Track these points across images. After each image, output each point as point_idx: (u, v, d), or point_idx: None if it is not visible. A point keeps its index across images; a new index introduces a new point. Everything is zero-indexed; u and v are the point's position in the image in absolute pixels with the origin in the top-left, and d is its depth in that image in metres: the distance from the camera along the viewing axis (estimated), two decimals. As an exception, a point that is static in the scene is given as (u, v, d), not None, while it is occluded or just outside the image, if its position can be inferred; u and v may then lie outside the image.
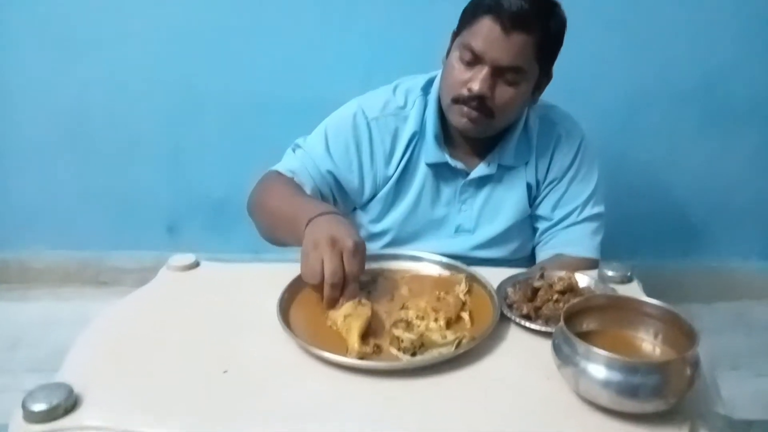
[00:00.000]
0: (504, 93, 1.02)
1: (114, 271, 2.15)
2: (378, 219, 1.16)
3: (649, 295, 0.89)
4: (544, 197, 1.16)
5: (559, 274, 0.91)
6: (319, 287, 0.84)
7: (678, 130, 1.93)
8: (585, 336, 0.72)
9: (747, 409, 1.55)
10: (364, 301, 0.84)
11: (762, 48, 1.83)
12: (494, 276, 0.93)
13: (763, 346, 1.82)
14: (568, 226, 1.14)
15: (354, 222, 1.18)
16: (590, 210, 1.15)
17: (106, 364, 0.75)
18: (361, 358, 0.74)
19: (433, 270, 0.99)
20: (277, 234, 1.05)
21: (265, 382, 0.72)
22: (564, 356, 0.67)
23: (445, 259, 0.99)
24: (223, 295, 0.92)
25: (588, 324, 0.76)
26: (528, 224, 1.18)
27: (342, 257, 0.83)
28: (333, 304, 0.84)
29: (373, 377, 0.73)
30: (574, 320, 0.73)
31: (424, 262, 1.00)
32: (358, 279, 0.86)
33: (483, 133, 1.08)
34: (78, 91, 1.96)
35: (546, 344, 0.72)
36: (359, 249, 0.85)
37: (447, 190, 1.14)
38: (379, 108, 1.13)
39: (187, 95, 1.95)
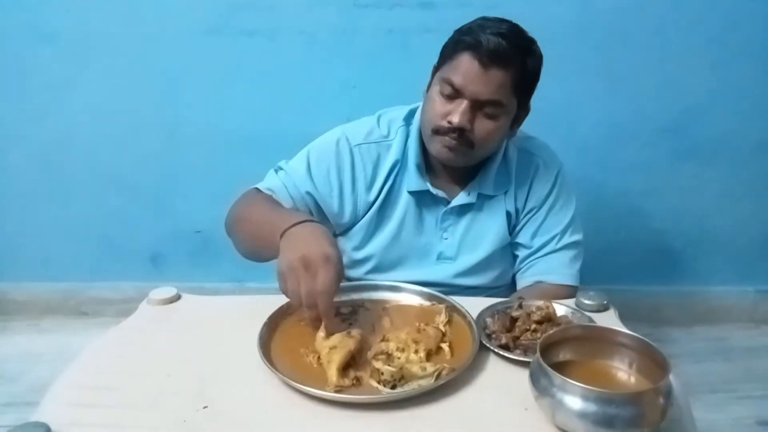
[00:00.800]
0: (483, 125, 1.05)
1: (96, 303, 2.14)
2: (361, 246, 1.17)
3: (628, 321, 0.91)
4: (524, 225, 1.18)
5: (537, 304, 0.93)
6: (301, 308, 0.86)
7: (654, 164, 1.99)
8: (561, 366, 0.73)
9: (728, 433, 1.57)
10: (354, 332, 0.84)
11: (730, 89, 1.90)
12: (474, 305, 0.94)
13: (742, 370, 1.85)
14: (547, 254, 1.16)
15: None
16: (569, 238, 1.17)
17: (84, 402, 0.75)
18: (339, 391, 0.75)
19: (413, 300, 1.00)
20: (257, 248, 1.06)
21: (245, 417, 0.72)
22: (541, 388, 0.68)
23: (425, 290, 1.00)
24: (204, 329, 0.93)
25: (564, 354, 0.77)
26: (508, 252, 1.20)
27: (316, 276, 0.84)
28: (316, 323, 0.85)
29: (353, 410, 0.73)
30: (551, 351, 0.75)
31: (404, 292, 1.01)
32: (335, 295, 0.85)
33: (463, 162, 1.11)
34: (61, 124, 1.98)
35: (524, 374, 0.73)
36: (332, 263, 0.84)
37: (429, 218, 1.16)
38: (363, 136, 1.16)
39: (171, 129, 1.98)
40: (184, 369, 0.82)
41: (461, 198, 1.14)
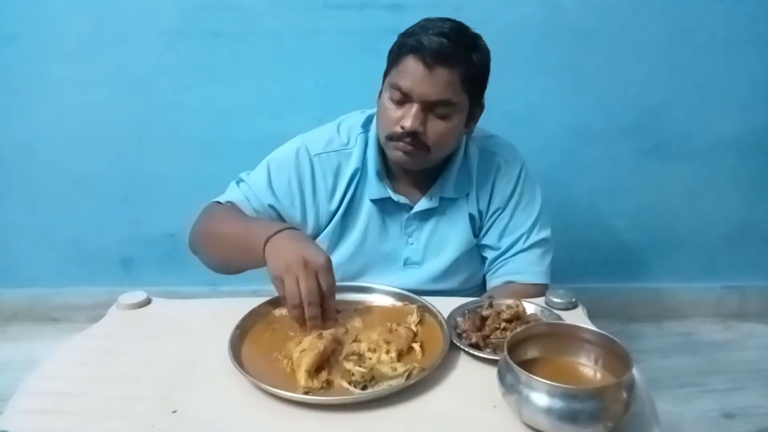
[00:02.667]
0: (436, 127, 1.04)
1: (65, 308, 2.09)
2: None
3: (598, 318, 0.93)
4: (490, 227, 1.18)
5: (507, 302, 0.94)
6: (299, 309, 0.87)
7: (618, 162, 2.03)
8: (528, 364, 0.74)
9: (693, 426, 1.61)
10: (325, 333, 0.84)
11: (692, 87, 1.94)
12: (445, 305, 0.95)
13: (708, 364, 1.89)
14: (515, 254, 1.16)
15: None
16: (536, 236, 1.17)
17: (49, 410, 0.74)
18: (307, 392, 0.75)
19: (385, 301, 1.01)
20: (231, 261, 1.06)
21: (215, 420, 0.72)
22: (508, 385, 0.69)
23: (397, 290, 1.01)
24: (175, 333, 0.92)
25: (531, 352, 0.78)
26: (476, 255, 1.20)
27: (316, 276, 0.87)
28: (316, 321, 0.87)
29: (324, 412, 0.73)
30: (518, 348, 0.76)
31: (376, 293, 1.02)
32: (335, 294, 0.90)
33: (421, 165, 1.10)
34: (25, 127, 1.94)
35: (494, 372, 0.73)
36: (330, 264, 0.89)
37: (393, 225, 1.16)
38: (322, 144, 1.15)
39: (139, 131, 1.95)
40: (153, 374, 0.81)
41: (423, 203, 1.14)
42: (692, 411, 1.66)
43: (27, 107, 1.92)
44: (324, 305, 0.88)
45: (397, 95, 1.04)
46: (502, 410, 0.72)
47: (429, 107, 1.03)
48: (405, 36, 1.04)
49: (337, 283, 1.05)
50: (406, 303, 0.99)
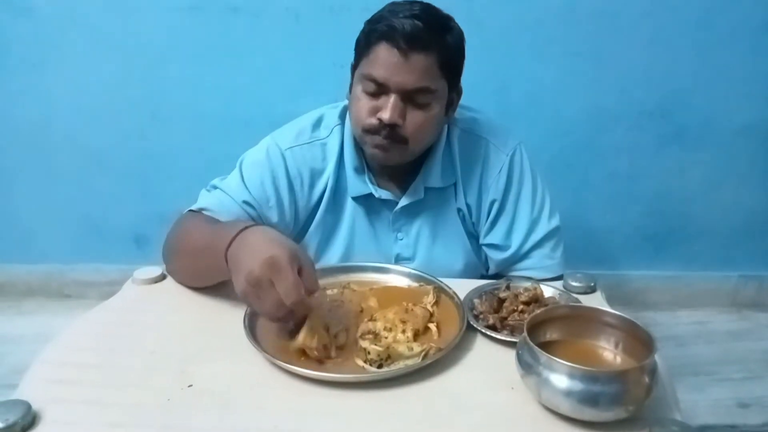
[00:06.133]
0: (416, 117, 0.98)
1: (79, 285, 2.11)
2: (315, 260, 1.08)
3: (613, 304, 0.91)
4: (493, 222, 1.11)
5: (524, 285, 0.93)
6: (283, 320, 0.78)
7: (638, 148, 2.00)
8: (548, 346, 0.73)
9: (707, 415, 1.60)
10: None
11: (715, 73, 1.91)
12: (462, 286, 0.94)
13: (723, 353, 1.88)
14: (528, 252, 1.10)
15: None
16: (546, 227, 1.10)
17: (66, 380, 0.74)
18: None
19: (401, 281, 0.99)
20: (202, 279, 0.95)
21: (230, 396, 0.72)
22: (527, 366, 0.68)
23: (413, 271, 1.00)
24: (189, 308, 0.92)
25: (551, 334, 0.77)
26: (470, 246, 1.14)
27: (283, 275, 0.74)
28: (295, 332, 0.79)
29: (340, 389, 0.73)
30: (538, 330, 0.75)
31: (392, 273, 1.01)
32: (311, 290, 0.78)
33: (399, 161, 1.04)
34: (40, 102, 1.94)
35: (511, 354, 0.73)
36: (281, 266, 0.74)
37: (379, 222, 1.11)
38: (292, 137, 1.09)
39: (154, 108, 1.95)
40: (168, 348, 0.81)
41: (408, 197, 1.08)
42: (706, 399, 1.66)
43: (42, 82, 1.91)
44: (296, 312, 0.77)
45: (371, 87, 0.97)
46: (520, 392, 0.71)
47: (407, 96, 0.96)
48: (373, 22, 0.97)
49: (351, 263, 1.05)
50: (422, 284, 0.97)
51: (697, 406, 1.62)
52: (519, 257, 1.11)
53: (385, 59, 0.94)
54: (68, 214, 2.07)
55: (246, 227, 0.83)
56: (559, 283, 0.98)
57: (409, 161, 1.06)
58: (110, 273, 1.92)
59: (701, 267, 2.14)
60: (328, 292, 0.95)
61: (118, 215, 2.06)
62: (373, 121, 0.98)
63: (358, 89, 1.00)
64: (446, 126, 1.10)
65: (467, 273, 1.14)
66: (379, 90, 0.97)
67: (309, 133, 1.10)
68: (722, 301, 2.14)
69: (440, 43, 0.96)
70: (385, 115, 0.96)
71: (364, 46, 0.98)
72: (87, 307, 0.91)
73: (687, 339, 1.95)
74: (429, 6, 0.98)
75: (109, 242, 2.09)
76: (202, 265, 0.91)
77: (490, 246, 1.13)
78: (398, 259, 1.12)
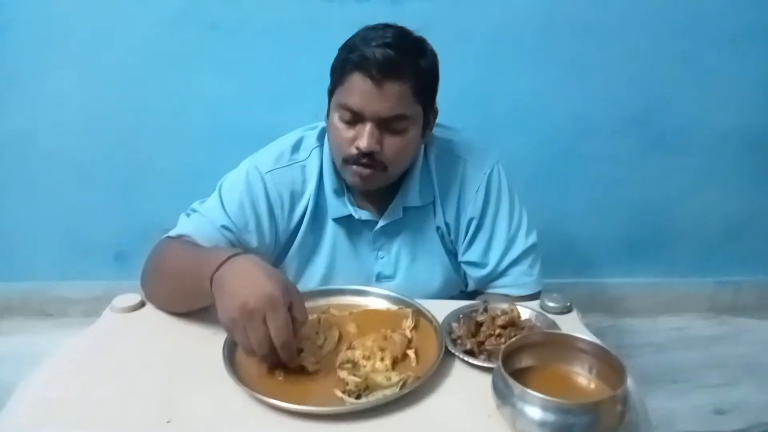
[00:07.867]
0: (393, 143, 0.99)
1: (61, 302, 2.08)
2: (296, 280, 1.10)
3: (594, 312, 0.92)
4: (471, 240, 1.12)
5: (501, 307, 0.94)
6: (271, 355, 0.78)
7: (619, 156, 2.02)
8: (523, 372, 0.75)
9: (685, 422, 1.63)
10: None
11: (695, 80, 1.94)
12: (441, 307, 0.94)
13: (701, 359, 1.90)
14: (506, 269, 1.12)
15: None
16: (523, 244, 1.12)
17: (42, 418, 0.73)
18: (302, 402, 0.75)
19: (380, 304, 1.00)
20: (182, 303, 0.95)
21: (209, 429, 0.72)
22: (502, 396, 0.69)
23: (392, 293, 1.00)
24: (169, 338, 0.92)
25: (526, 360, 0.78)
26: (450, 264, 1.15)
27: (279, 314, 0.76)
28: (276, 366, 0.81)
29: (319, 421, 0.73)
30: (514, 356, 0.76)
31: (371, 296, 1.01)
32: (294, 336, 0.79)
33: (380, 185, 1.05)
34: (21, 116, 1.92)
35: (488, 380, 0.73)
36: (278, 302, 0.76)
37: (360, 242, 1.12)
38: (272, 161, 1.09)
39: (135, 123, 1.94)
40: (147, 381, 0.81)
41: (387, 216, 1.09)
42: (684, 406, 1.68)
43: (23, 98, 1.90)
44: (280, 353, 0.78)
45: (347, 115, 0.98)
46: (496, 420, 0.72)
47: (383, 124, 0.97)
48: (347, 50, 0.98)
49: (330, 287, 1.05)
50: (401, 306, 0.98)
51: (676, 413, 1.64)
52: (497, 275, 1.13)
53: (359, 88, 0.95)
54: (50, 230, 2.05)
55: (236, 254, 0.83)
56: (535, 304, 0.99)
57: (388, 185, 1.07)
58: (93, 290, 1.90)
59: (680, 273, 2.17)
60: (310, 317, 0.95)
61: (99, 231, 2.04)
62: (353, 151, 0.99)
63: (335, 117, 1.01)
64: (423, 145, 1.11)
65: (447, 289, 1.15)
66: (355, 118, 0.98)
67: (288, 156, 1.11)
68: (701, 307, 2.17)
69: (413, 70, 0.97)
70: (362, 143, 0.97)
71: (339, 74, 0.99)
72: (69, 326, 0.92)
73: (666, 345, 1.98)
74: (402, 31, 0.99)
75: (91, 259, 2.07)
76: (183, 287, 0.90)
77: (469, 263, 1.14)
78: (379, 278, 1.13)
